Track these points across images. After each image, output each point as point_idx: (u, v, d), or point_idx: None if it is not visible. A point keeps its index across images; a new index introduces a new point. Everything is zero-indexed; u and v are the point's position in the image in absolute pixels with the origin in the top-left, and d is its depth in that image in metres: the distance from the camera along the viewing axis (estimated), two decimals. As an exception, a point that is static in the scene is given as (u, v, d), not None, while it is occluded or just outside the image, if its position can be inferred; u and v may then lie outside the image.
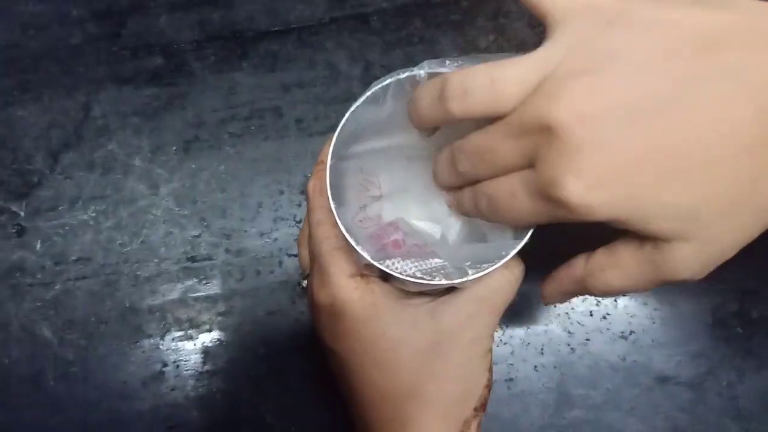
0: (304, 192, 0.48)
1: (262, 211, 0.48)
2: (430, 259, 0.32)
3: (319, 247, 0.33)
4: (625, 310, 0.46)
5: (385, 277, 0.33)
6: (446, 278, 0.31)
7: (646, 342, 0.46)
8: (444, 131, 0.34)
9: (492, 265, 0.31)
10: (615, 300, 0.47)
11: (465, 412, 0.32)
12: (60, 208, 0.48)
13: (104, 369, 0.45)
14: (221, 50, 0.50)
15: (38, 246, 0.47)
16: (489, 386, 0.34)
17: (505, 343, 0.46)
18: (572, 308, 0.47)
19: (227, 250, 0.47)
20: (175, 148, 0.49)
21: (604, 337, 0.46)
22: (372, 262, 0.30)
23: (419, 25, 0.51)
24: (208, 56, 0.50)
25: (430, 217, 0.41)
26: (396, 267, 0.31)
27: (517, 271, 0.33)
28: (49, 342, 0.45)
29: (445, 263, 0.32)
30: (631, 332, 0.46)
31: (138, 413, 0.45)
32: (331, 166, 0.32)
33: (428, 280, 0.30)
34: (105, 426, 0.45)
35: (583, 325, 0.46)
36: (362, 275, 0.32)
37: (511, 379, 0.45)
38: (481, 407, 0.33)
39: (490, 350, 0.33)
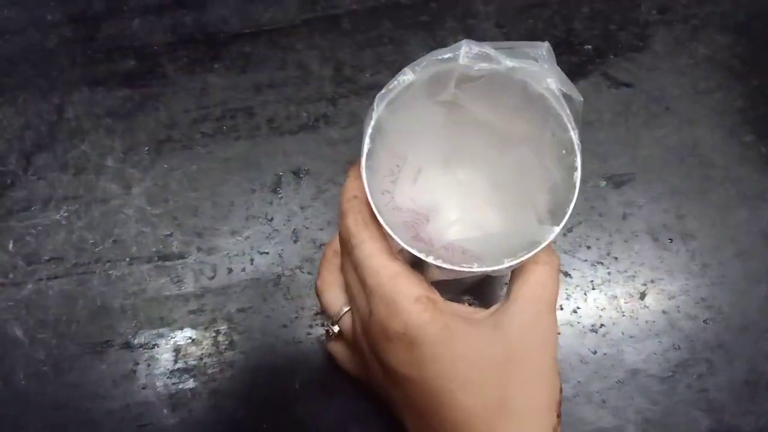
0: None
1: (233, 209, 0.48)
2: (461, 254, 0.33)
3: (378, 278, 0.31)
4: (595, 303, 0.47)
5: (413, 268, 0.33)
6: (482, 265, 0.31)
7: (616, 335, 0.46)
8: None
9: (528, 253, 0.31)
10: (585, 294, 0.47)
11: (552, 419, 0.31)
12: (33, 208, 0.48)
13: (75, 368, 0.45)
14: (193, 52, 0.51)
15: (10, 246, 0.47)
16: (561, 390, 0.33)
17: (475, 338, 0.46)
18: (542, 302, 0.47)
19: (199, 249, 0.47)
20: (147, 148, 0.49)
21: (575, 331, 0.46)
22: (407, 247, 0.30)
23: (389, 26, 0.52)
24: (181, 58, 0.51)
25: (456, 191, 0.42)
26: (431, 256, 0.31)
27: (556, 262, 0.34)
28: (20, 341, 0.46)
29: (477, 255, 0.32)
30: (601, 325, 0.46)
31: (109, 412, 0.45)
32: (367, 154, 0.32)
33: (465, 267, 0.31)
34: (76, 425, 0.44)
35: (553, 319, 0.46)
36: (428, 297, 0.31)
37: (481, 373, 0.45)
38: (560, 414, 0.32)
39: (557, 352, 0.33)
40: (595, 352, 0.46)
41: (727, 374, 0.45)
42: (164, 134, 0.49)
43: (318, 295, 0.38)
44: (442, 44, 0.52)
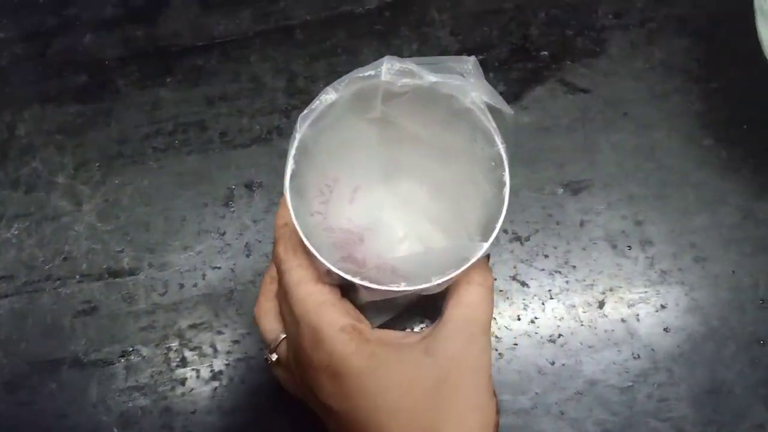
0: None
1: (185, 224, 0.48)
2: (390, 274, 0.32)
3: (304, 306, 0.31)
4: (553, 313, 0.46)
5: (346, 289, 0.32)
6: (410, 284, 0.30)
7: (575, 345, 0.45)
8: None
9: (456, 270, 0.30)
10: (543, 304, 0.46)
11: None
12: (-17, 227, 0.48)
13: (26, 386, 0.45)
14: (145, 66, 0.50)
15: (-40, 265, 0.47)
16: (498, 411, 0.32)
17: (431, 350, 0.45)
18: (499, 313, 0.46)
19: (150, 265, 0.47)
20: (98, 164, 0.49)
21: (532, 341, 0.45)
22: (333, 269, 0.30)
23: (343, 36, 0.52)
24: (133, 73, 0.50)
25: (396, 203, 0.41)
26: (357, 277, 0.30)
27: (489, 282, 0.33)
28: (-31, 361, 0.45)
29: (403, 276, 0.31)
30: (560, 335, 0.45)
31: (59, 430, 0.44)
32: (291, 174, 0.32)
33: (393, 287, 0.30)
34: (25, 445, 0.44)
35: (510, 330, 0.46)
36: (353, 326, 0.31)
37: (436, 387, 0.44)
38: None
39: (491, 374, 0.32)
40: (553, 363, 0.45)
41: (688, 383, 0.44)
42: (115, 150, 0.49)
43: (256, 323, 0.38)
44: (397, 53, 0.51)
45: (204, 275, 0.47)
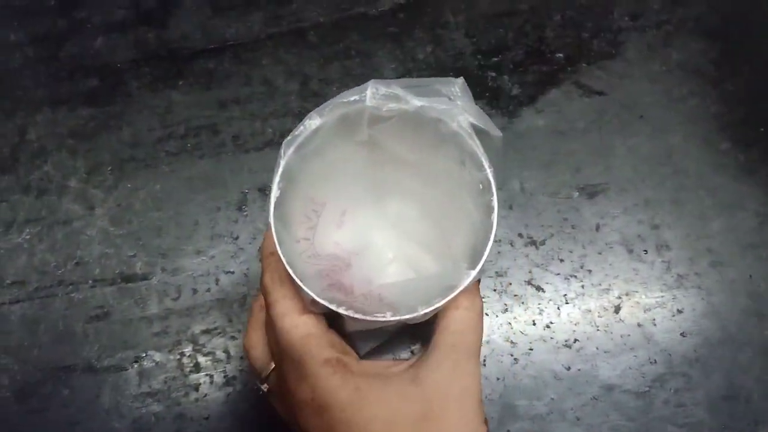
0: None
1: (198, 228, 0.47)
2: (377, 302, 0.32)
3: (288, 338, 0.31)
4: (569, 318, 0.46)
5: (333, 317, 0.31)
6: (395, 314, 0.30)
7: (591, 350, 0.45)
8: None
9: (442, 300, 0.30)
10: (558, 308, 0.46)
11: None
12: (-5, 232, 0.47)
13: (38, 393, 0.45)
14: (157, 69, 0.50)
15: (-28, 271, 0.47)
16: None
17: (446, 356, 0.45)
18: (514, 318, 0.46)
19: (163, 269, 0.47)
20: (110, 168, 0.48)
21: (548, 346, 0.45)
22: (317, 299, 0.29)
23: (356, 39, 0.51)
24: (145, 75, 0.50)
25: (381, 225, 0.41)
26: (342, 307, 0.30)
27: (478, 306, 0.32)
28: (-18, 367, 0.45)
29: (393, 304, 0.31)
30: (575, 340, 0.45)
31: (72, 438, 0.44)
32: (276, 201, 0.31)
33: (379, 317, 0.30)
34: (37, 451, 0.44)
35: (525, 335, 0.45)
36: (338, 359, 0.31)
37: (452, 392, 0.44)
38: None
39: (482, 399, 0.32)
40: (569, 368, 0.45)
41: (704, 388, 0.44)
42: (127, 154, 0.49)
43: (245, 353, 0.37)
44: (411, 55, 0.51)
45: (217, 280, 0.46)
